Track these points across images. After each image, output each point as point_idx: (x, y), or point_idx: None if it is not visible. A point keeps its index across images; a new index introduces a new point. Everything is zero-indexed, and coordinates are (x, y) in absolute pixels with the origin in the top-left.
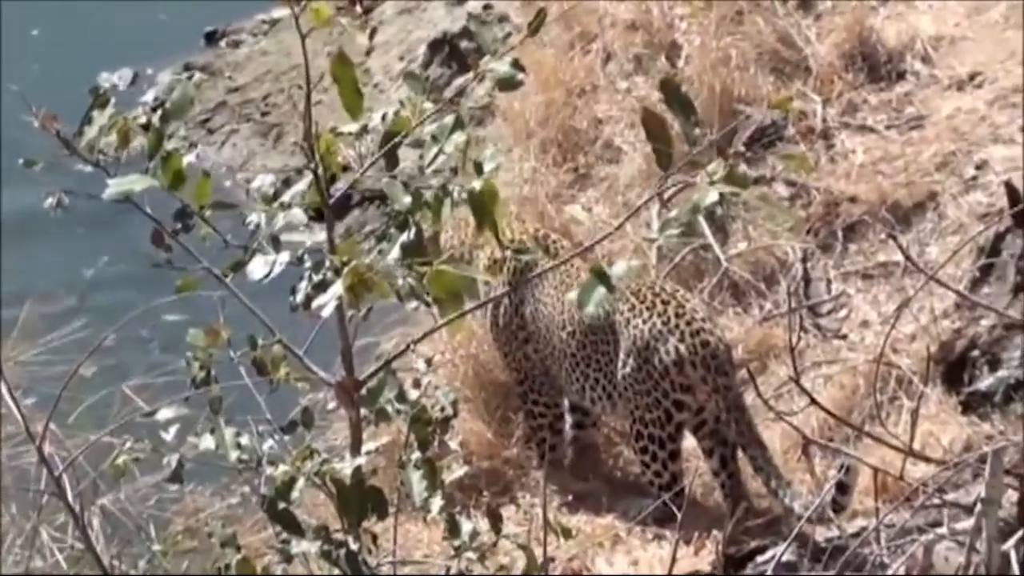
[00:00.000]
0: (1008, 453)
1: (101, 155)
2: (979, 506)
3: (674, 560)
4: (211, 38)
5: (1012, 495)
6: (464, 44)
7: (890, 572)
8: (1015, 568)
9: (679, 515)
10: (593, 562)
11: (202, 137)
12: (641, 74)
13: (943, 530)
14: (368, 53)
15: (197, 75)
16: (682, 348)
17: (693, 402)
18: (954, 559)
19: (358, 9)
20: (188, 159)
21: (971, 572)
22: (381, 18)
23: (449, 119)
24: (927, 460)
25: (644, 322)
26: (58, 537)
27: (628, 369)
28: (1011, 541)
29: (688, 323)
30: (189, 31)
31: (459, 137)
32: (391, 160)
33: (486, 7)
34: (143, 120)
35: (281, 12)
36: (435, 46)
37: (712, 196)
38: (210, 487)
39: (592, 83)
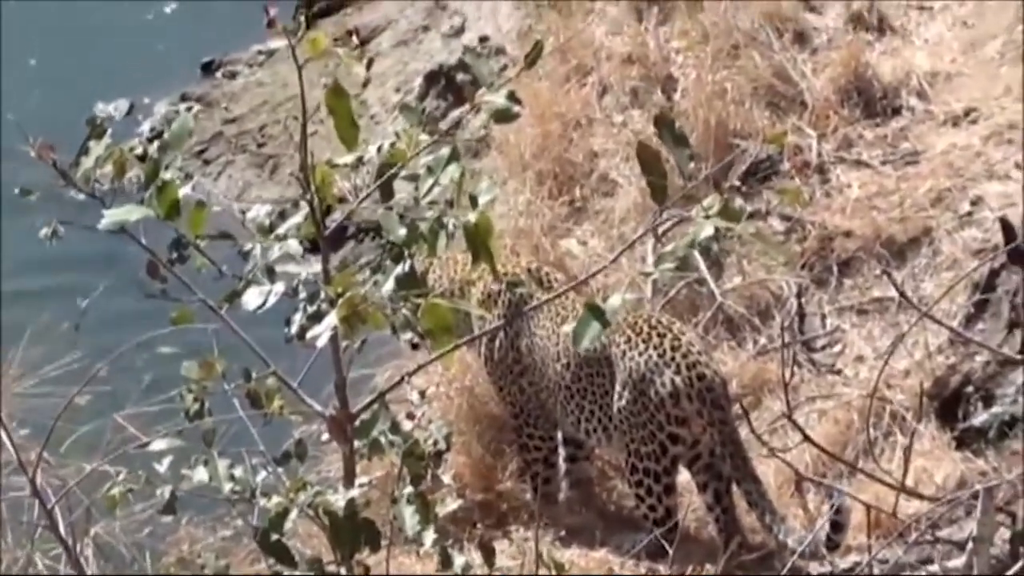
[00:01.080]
0: (1001, 490)
1: (97, 185)
2: (971, 544)
3: None
4: (207, 69)
5: (1005, 532)
6: (460, 76)
7: None
8: None
9: (671, 550)
10: None
11: (198, 168)
12: (637, 107)
13: (935, 567)
14: (365, 85)
15: (190, 105)
16: (678, 381)
17: (688, 435)
18: None
19: (355, 40)
20: (184, 190)
21: None
22: (378, 50)
23: (445, 151)
24: (920, 496)
25: (640, 354)
26: (52, 566)
27: (624, 402)
28: None
29: (684, 356)
30: (186, 62)
31: (455, 169)
32: (386, 192)
33: (482, 39)
34: (140, 151)
35: (278, 43)
36: (431, 78)
37: (708, 230)
38: (205, 518)
39: (588, 116)
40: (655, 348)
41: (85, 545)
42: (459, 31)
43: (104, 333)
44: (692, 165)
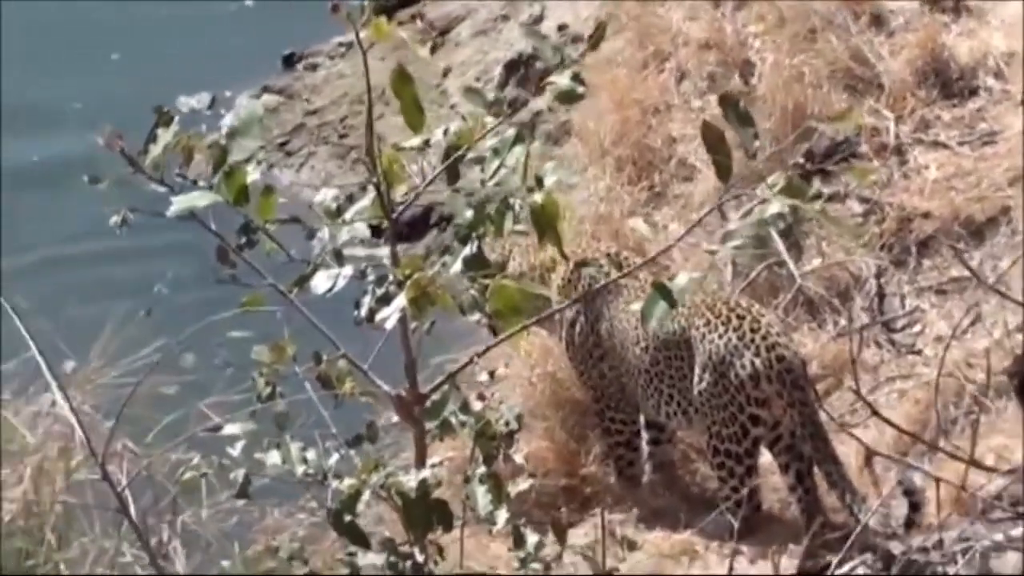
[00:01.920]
0: None
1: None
2: None
3: None
4: (289, 61)
5: None
6: (539, 64)
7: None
8: None
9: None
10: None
11: (280, 159)
12: (715, 92)
13: (1000, 536)
14: (445, 74)
15: (272, 97)
16: (758, 363)
17: (769, 417)
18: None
19: (419, 24)
20: (253, 175)
21: None
22: (457, 39)
23: (511, 133)
24: (988, 469)
25: (720, 337)
26: (139, 555)
27: (704, 384)
28: None
29: (764, 338)
30: (267, 55)
31: (520, 151)
32: (453, 175)
33: (560, 28)
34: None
35: (363, 32)
36: (511, 67)
37: (773, 208)
38: (291, 506)
39: (666, 102)
40: (735, 330)
41: (173, 533)
42: (538, 19)
43: (177, 321)
44: (757, 143)
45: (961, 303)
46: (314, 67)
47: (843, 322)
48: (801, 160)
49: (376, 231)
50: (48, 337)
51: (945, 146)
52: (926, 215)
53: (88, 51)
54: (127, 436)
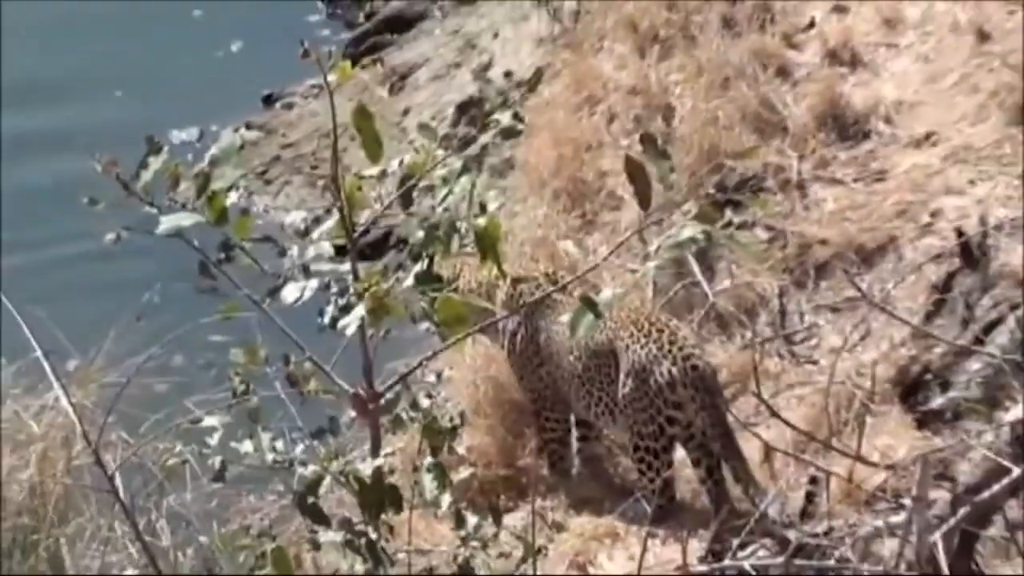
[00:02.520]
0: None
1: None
2: (910, 503)
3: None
4: (268, 100)
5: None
6: (486, 105)
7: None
8: (941, 555)
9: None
10: (596, 558)
11: (259, 187)
12: (640, 132)
13: (880, 524)
14: (405, 113)
15: (253, 132)
16: (674, 371)
17: (683, 418)
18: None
19: (381, 69)
20: (230, 199)
21: (902, 559)
22: (416, 83)
23: (458, 164)
24: (872, 464)
25: (642, 348)
26: (129, 532)
27: (627, 389)
28: (937, 533)
29: (680, 349)
30: (250, 95)
31: (466, 180)
32: (407, 201)
33: (507, 74)
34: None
35: (330, 76)
36: (462, 108)
37: (686, 232)
38: (264, 490)
39: (598, 140)
40: (655, 342)
41: (160, 514)
42: (487, 67)
43: (166, 326)
44: (673, 176)
45: (852, 320)
46: (290, 106)
47: (749, 335)
48: (714, 192)
49: (340, 249)
50: (52, 336)
51: (841, 182)
52: (823, 242)
53: (94, 87)
54: (122, 428)
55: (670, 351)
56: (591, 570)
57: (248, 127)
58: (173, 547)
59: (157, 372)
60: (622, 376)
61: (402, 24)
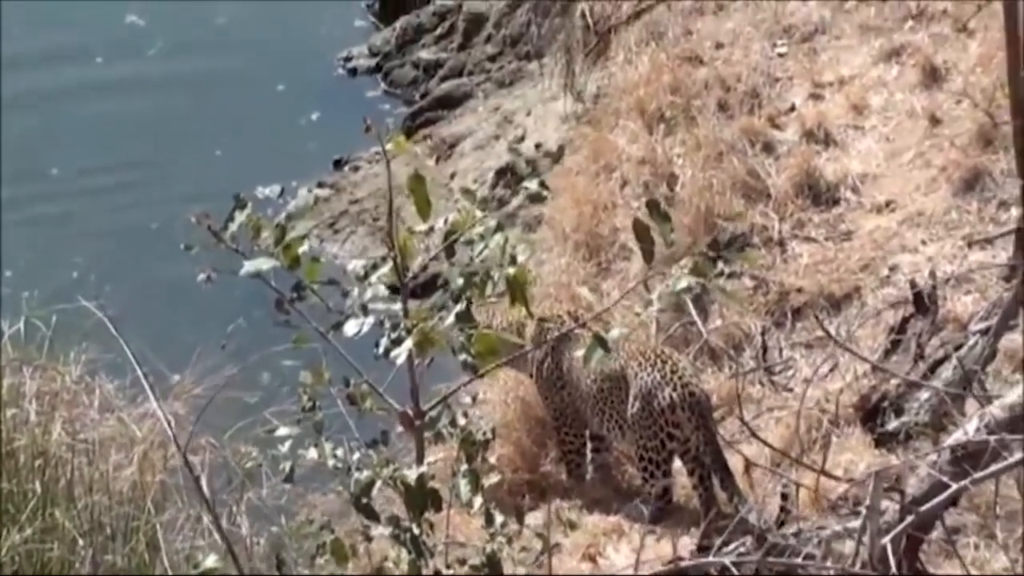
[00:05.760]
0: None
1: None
2: (864, 511)
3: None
4: (338, 164)
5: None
6: (518, 175)
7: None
8: (890, 556)
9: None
10: (604, 549)
11: (329, 236)
12: (648, 196)
13: (839, 528)
14: (452, 177)
15: (325, 190)
16: (675, 396)
17: (681, 435)
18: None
19: (428, 143)
20: (303, 248)
21: (858, 559)
22: (461, 152)
23: (493, 223)
24: (835, 478)
25: (648, 375)
26: (214, 522)
27: (635, 409)
28: (887, 537)
29: (679, 377)
30: (323, 158)
31: (499, 237)
32: (450, 252)
33: (537, 145)
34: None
35: (388, 146)
36: (500, 173)
37: (683, 283)
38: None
39: (612, 201)
40: (659, 371)
41: (241, 507)
42: (521, 139)
43: (248, 351)
44: (673, 235)
45: (822, 355)
46: (356, 168)
47: (735, 367)
48: (708, 248)
49: (395, 289)
50: (154, 357)
51: (814, 240)
52: (799, 290)
53: (198, 148)
54: (211, 434)
55: (671, 379)
56: (600, 561)
57: (320, 186)
58: (250, 536)
59: (245, 387)
60: (631, 398)
61: (451, 102)
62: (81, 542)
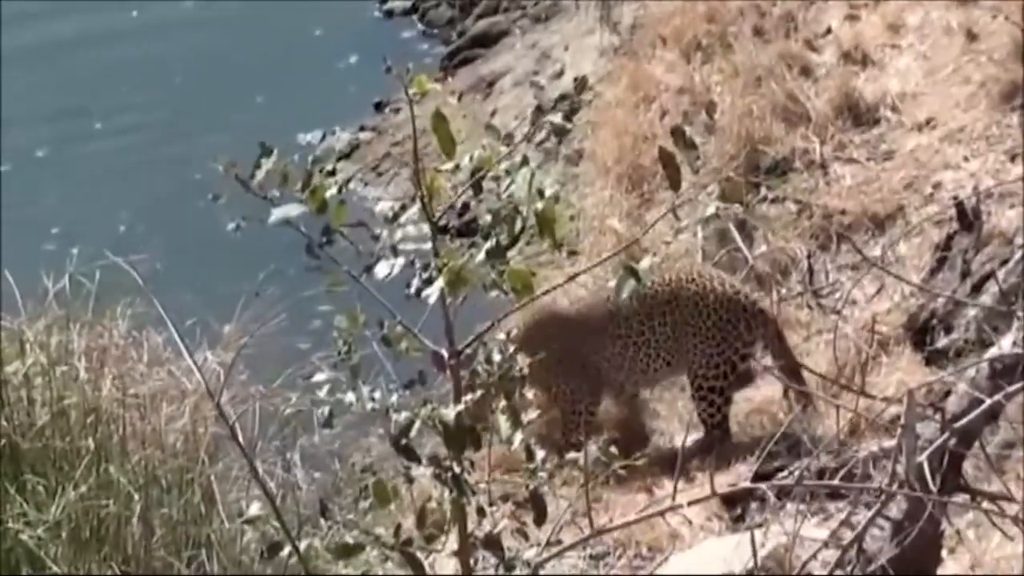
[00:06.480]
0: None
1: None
2: (899, 429)
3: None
4: (379, 106)
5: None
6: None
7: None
8: (927, 473)
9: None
10: (659, 480)
11: (373, 179)
12: (687, 124)
13: (875, 448)
14: (492, 115)
15: (368, 134)
16: (746, 314)
17: (752, 353)
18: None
19: (449, 80)
20: (331, 192)
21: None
22: (501, 89)
23: (518, 158)
24: (871, 397)
25: (713, 295)
26: (269, 469)
27: (706, 328)
28: (923, 455)
29: (745, 296)
30: (364, 101)
31: (526, 172)
32: (477, 190)
33: (575, 80)
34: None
35: (433, 86)
36: (540, 109)
37: (711, 208)
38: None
39: (652, 132)
40: (724, 287)
41: (294, 453)
42: (560, 74)
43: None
44: (699, 162)
45: (869, 276)
46: (397, 110)
47: (784, 291)
48: (747, 173)
49: (443, 230)
50: (200, 310)
51: (856, 162)
52: (843, 212)
53: (238, 95)
54: (263, 383)
55: (737, 295)
56: (656, 492)
57: (362, 129)
58: (303, 482)
59: (295, 334)
60: (699, 318)
61: (488, 40)
62: (136, 496)
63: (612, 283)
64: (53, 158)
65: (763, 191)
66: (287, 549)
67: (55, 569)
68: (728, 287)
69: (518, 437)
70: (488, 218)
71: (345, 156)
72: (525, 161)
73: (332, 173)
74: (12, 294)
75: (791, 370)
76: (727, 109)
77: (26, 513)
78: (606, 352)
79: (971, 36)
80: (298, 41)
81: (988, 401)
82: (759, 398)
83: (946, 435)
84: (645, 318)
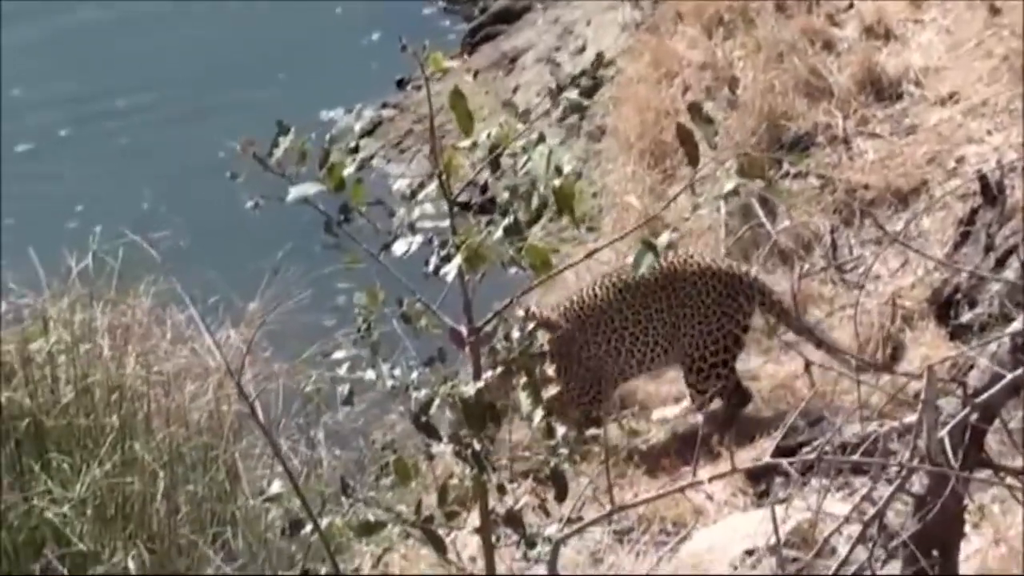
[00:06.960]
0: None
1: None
2: (920, 404)
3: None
4: (401, 84)
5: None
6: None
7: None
8: (948, 449)
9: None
10: (680, 452)
11: (395, 156)
12: (710, 100)
13: (896, 424)
14: (515, 91)
15: (390, 111)
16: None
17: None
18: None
19: (467, 57)
20: (348, 170)
21: (914, 451)
22: (524, 65)
23: (534, 136)
24: (891, 372)
25: (707, 271)
26: (293, 446)
27: (705, 306)
28: (944, 430)
29: (730, 266)
30: (387, 78)
31: (543, 148)
32: (495, 167)
33: (597, 55)
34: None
35: (450, 64)
36: (558, 88)
37: (730, 184)
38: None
39: (675, 108)
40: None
41: (317, 433)
42: (582, 49)
43: (300, 278)
44: (717, 138)
45: (892, 251)
46: (419, 87)
47: (807, 266)
48: (769, 148)
49: (465, 207)
50: (223, 287)
51: (879, 136)
52: (866, 187)
53: (260, 74)
54: (286, 360)
55: (731, 268)
56: (680, 468)
57: (385, 106)
58: (325, 460)
59: (320, 311)
60: (698, 297)
61: (511, 16)
62: (161, 474)
63: (630, 259)
64: (76, 137)
65: (786, 166)
66: (309, 526)
67: (80, 546)
68: (721, 262)
69: (539, 414)
70: (506, 195)
71: (368, 133)
72: (542, 138)
73: (355, 151)
74: (36, 272)
75: (810, 334)
76: (749, 84)
77: (51, 491)
78: (600, 350)
79: (994, 10)
80: (320, 19)
81: (1009, 376)
82: (782, 374)
83: (967, 410)
84: (640, 307)
